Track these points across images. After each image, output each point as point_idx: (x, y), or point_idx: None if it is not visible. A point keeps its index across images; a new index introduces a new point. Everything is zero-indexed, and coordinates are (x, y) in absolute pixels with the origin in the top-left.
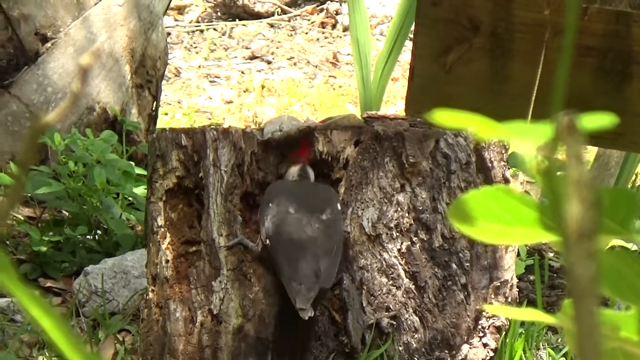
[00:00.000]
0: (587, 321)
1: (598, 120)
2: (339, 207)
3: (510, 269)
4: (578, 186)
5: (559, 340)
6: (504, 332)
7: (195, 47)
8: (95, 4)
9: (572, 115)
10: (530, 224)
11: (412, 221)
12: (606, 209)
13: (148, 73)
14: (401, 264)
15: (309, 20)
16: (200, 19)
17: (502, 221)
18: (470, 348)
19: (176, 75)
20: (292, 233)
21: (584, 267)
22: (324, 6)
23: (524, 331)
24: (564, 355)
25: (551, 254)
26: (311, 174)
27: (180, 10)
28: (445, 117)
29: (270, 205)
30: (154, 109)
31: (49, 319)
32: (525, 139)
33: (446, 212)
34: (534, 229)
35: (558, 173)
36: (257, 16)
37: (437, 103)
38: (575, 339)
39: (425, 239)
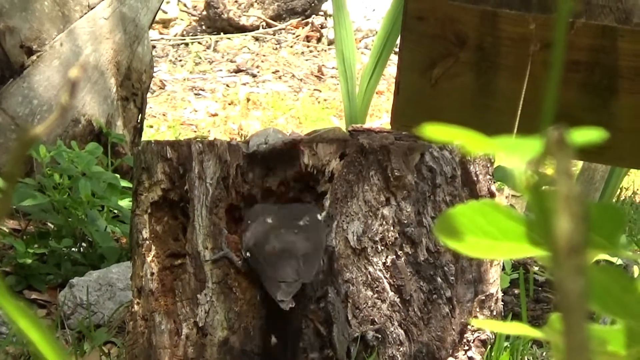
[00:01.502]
0: (576, 336)
1: (587, 135)
2: (319, 217)
3: (495, 282)
4: (567, 201)
5: (544, 354)
6: (489, 346)
7: (181, 60)
8: (80, 17)
9: (562, 130)
10: (517, 239)
11: (397, 235)
12: (593, 223)
13: (133, 86)
14: (386, 278)
15: (294, 33)
16: (185, 32)
17: (488, 236)
18: None
19: (161, 88)
20: (270, 239)
21: (573, 282)
22: (309, 20)
23: (509, 345)
24: None
25: (536, 268)
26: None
27: (166, 23)
28: (434, 131)
29: (249, 222)
30: (139, 121)
31: (36, 331)
32: (514, 153)
33: (431, 225)
34: (521, 244)
35: (546, 188)
36: (242, 29)
37: (423, 117)
38: (565, 354)
39: (410, 252)
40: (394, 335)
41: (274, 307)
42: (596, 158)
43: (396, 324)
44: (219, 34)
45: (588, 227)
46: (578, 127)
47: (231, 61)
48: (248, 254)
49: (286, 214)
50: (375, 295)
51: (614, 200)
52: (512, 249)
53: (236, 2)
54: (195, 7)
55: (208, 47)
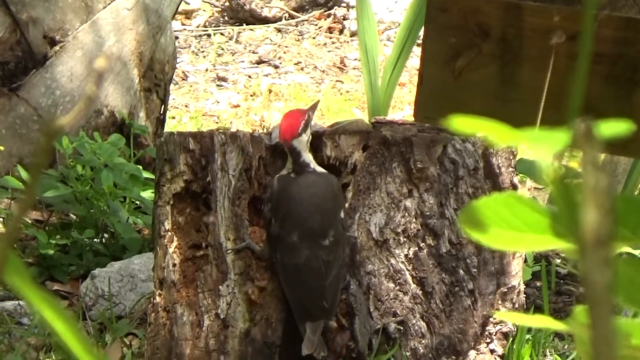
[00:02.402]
0: (603, 329)
1: (614, 127)
2: (343, 215)
3: (517, 275)
4: (594, 193)
5: (566, 346)
6: (511, 338)
7: (203, 52)
8: (103, 8)
9: (589, 122)
10: (541, 231)
11: (420, 227)
12: (617, 215)
13: (156, 77)
14: (408, 270)
15: (316, 25)
16: (207, 23)
17: (512, 228)
18: (477, 354)
19: (184, 79)
20: (297, 266)
21: (600, 274)
22: (332, 11)
23: (531, 337)
24: None
25: (558, 260)
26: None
27: (188, 14)
28: (458, 123)
29: (273, 222)
30: (161, 112)
31: (60, 322)
32: (540, 145)
33: (454, 217)
34: (545, 236)
35: (572, 180)
36: (265, 21)
37: (446, 109)
38: (591, 347)
39: (432, 244)
40: (416, 328)
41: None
42: (619, 151)
43: (418, 316)
44: (242, 25)
45: (614, 219)
46: (600, 118)
47: (253, 52)
48: (275, 260)
49: (312, 230)
50: (397, 288)
51: (636, 192)
52: (536, 241)
53: None
54: None
55: (230, 39)
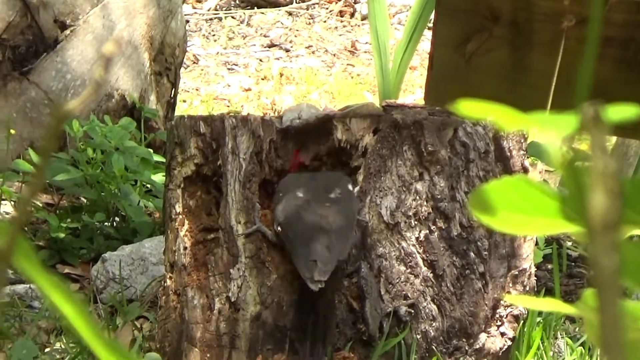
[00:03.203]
0: (611, 312)
1: (623, 111)
2: (350, 188)
3: (528, 257)
4: (603, 177)
5: (577, 329)
6: (522, 321)
7: (214, 35)
8: None
9: (597, 106)
10: (552, 214)
11: (431, 210)
12: (627, 199)
13: (167, 60)
14: (419, 253)
15: (327, 8)
16: (218, 7)
17: (523, 211)
18: (488, 337)
19: (194, 63)
20: (301, 214)
21: (608, 258)
22: None
23: (541, 320)
24: (582, 344)
25: (569, 243)
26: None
27: None
28: (468, 107)
29: (281, 194)
30: (172, 96)
31: (70, 305)
32: (549, 129)
33: (464, 200)
34: (555, 220)
35: (582, 164)
36: (276, 4)
37: (457, 92)
38: (599, 330)
39: (443, 227)
40: (427, 311)
41: (307, 289)
42: (630, 134)
43: (429, 299)
44: (253, 8)
45: (623, 203)
46: (612, 102)
47: (264, 36)
48: (279, 228)
49: (317, 186)
50: (408, 270)
51: None
52: (546, 225)
53: None
54: None
55: (241, 22)
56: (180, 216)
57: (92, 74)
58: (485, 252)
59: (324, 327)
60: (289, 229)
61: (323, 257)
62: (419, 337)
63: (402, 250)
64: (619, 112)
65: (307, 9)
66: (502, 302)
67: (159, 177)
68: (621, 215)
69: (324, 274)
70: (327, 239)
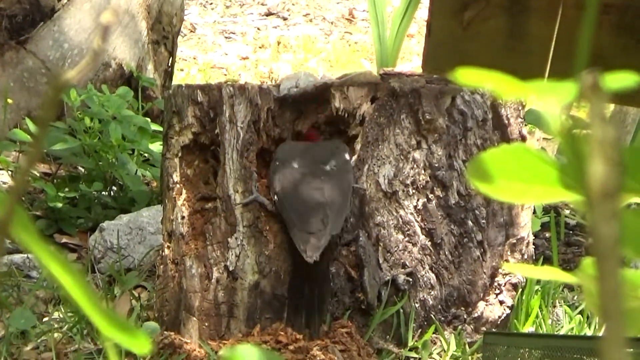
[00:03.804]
0: (610, 281)
1: (621, 79)
2: (347, 157)
3: (526, 226)
4: (602, 145)
5: (576, 297)
6: (520, 290)
7: (211, 4)
8: None
9: (596, 74)
10: (550, 183)
11: (428, 178)
12: (626, 167)
13: (164, 29)
14: (417, 221)
15: None
16: None
17: (521, 179)
18: (486, 305)
19: (192, 32)
20: (297, 186)
21: (608, 226)
22: None
23: (540, 289)
24: (580, 312)
25: (567, 212)
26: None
27: None
28: (467, 75)
29: (277, 163)
30: (169, 65)
31: (69, 276)
32: (548, 97)
33: (462, 169)
34: (554, 188)
35: (580, 131)
36: None
37: (454, 60)
38: (599, 299)
39: (441, 196)
40: (425, 279)
41: (302, 259)
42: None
43: (427, 267)
44: None
45: (622, 171)
46: (610, 69)
47: (262, 4)
48: (276, 197)
49: (314, 157)
50: (406, 239)
51: None
52: (545, 193)
53: None
54: None
55: None
56: (178, 185)
57: (89, 42)
58: (483, 221)
59: (319, 297)
60: (286, 200)
61: (318, 230)
62: (417, 305)
63: (400, 219)
64: (618, 79)
65: None
66: (500, 270)
67: (156, 146)
68: (621, 183)
69: (317, 249)
70: (323, 212)
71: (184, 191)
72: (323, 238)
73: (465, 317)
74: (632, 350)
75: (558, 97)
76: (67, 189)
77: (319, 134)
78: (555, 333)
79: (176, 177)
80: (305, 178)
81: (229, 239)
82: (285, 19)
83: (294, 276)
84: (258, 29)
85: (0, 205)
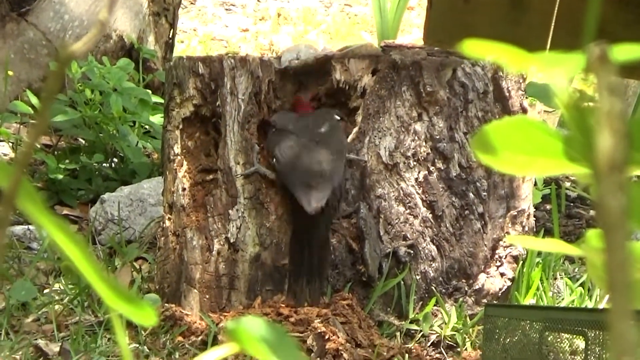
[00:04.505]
0: (617, 253)
1: (628, 51)
2: (337, 118)
3: (527, 198)
4: (609, 118)
5: (576, 270)
6: (521, 262)
7: None
8: None
9: (604, 47)
10: (554, 155)
11: (429, 150)
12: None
13: (165, 1)
14: (418, 193)
15: None
16: None
17: (525, 152)
18: (487, 277)
19: (192, 3)
20: (295, 147)
21: (614, 199)
22: None
23: (541, 261)
24: (581, 284)
25: (568, 184)
26: None
27: None
28: (471, 47)
29: (274, 130)
30: (170, 36)
31: (74, 247)
32: (554, 69)
33: (463, 141)
34: (558, 160)
35: (586, 104)
36: None
37: (456, 32)
38: (605, 271)
39: (442, 168)
40: (426, 251)
41: (303, 220)
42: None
43: (428, 239)
44: None
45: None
46: (612, 42)
47: None
48: (275, 160)
49: (307, 121)
50: (408, 211)
51: None
52: (548, 166)
53: None
54: None
55: None
56: (179, 157)
57: (90, 14)
58: (484, 193)
59: (319, 262)
60: (285, 162)
61: (318, 184)
62: (418, 277)
63: (401, 191)
64: (624, 52)
65: None
66: (501, 242)
67: (157, 118)
68: (627, 155)
69: (319, 200)
70: (321, 168)
71: (184, 163)
72: (324, 190)
73: (466, 289)
74: (638, 322)
75: (564, 69)
76: (67, 161)
77: (308, 102)
78: (556, 305)
79: (177, 149)
80: (301, 140)
81: (230, 211)
82: None
83: (294, 242)
84: (258, 0)
85: (6, 177)
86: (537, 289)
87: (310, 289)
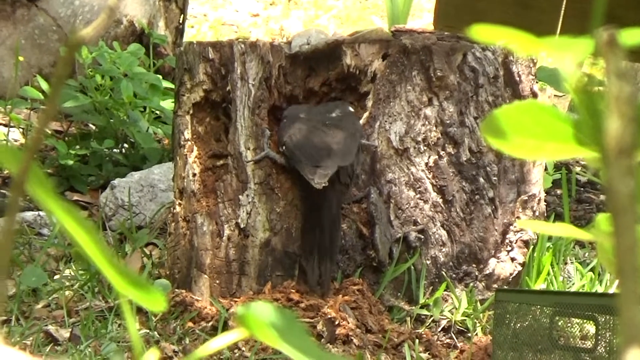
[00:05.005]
0: (626, 237)
1: (638, 36)
2: (351, 110)
3: (537, 182)
4: (618, 102)
5: (587, 254)
6: (532, 246)
7: None
8: None
9: (613, 31)
10: (564, 140)
11: (440, 135)
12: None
13: None
14: (429, 178)
15: None
16: None
17: (535, 136)
18: (497, 262)
19: None
20: (304, 130)
21: (623, 183)
22: None
23: (551, 245)
24: (592, 269)
25: (578, 168)
26: None
27: None
28: (481, 32)
29: (285, 121)
30: (180, 22)
31: (84, 232)
32: (564, 53)
33: (474, 126)
34: (568, 144)
35: (596, 88)
36: None
37: (466, 17)
38: (614, 256)
39: (452, 152)
40: (436, 236)
41: (313, 199)
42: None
43: (438, 224)
44: None
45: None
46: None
47: None
48: (284, 147)
49: (319, 109)
50: (418, 196)
51: None
52: (559, 150)
53: None
54: None
55: None
56: (189, 142)
57: (100, 0)
58: (495, 178)
59: (330, 242)
60: (293, 145)
61: (325, 164)
62: (428, 262)
63: (411, 176)
64: (633, 36)
65: None
66: (511, 227)
67: (167, 104)
68: (636, 140)
69: (324, 177)
70: (329, 148)
71: (195, 148)
72: (330, 168)
73: (476, 274)
74: None
75: (573, 54)
76: (78, 147)
77: None
78: (567, 290)
79: (187, 134)
80: (312, 123)
81: (240, 196)
82: None
83: (305, 222)
84: None
85: (16, 163)
86: (548, 273)
87: (322, 270)
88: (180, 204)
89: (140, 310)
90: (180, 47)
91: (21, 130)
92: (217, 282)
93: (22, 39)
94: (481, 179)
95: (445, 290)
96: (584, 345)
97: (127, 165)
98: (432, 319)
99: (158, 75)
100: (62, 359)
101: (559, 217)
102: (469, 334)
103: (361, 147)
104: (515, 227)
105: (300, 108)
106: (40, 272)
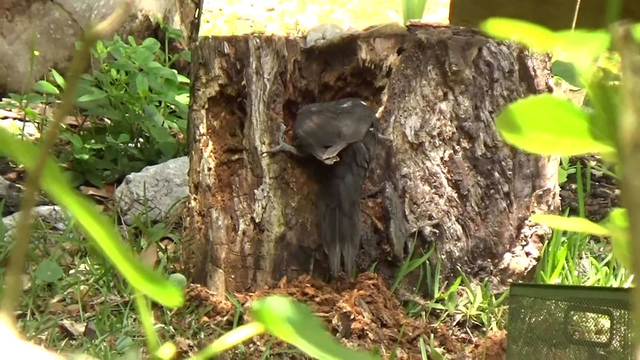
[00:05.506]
0: None
1: None
2: (364, 103)
3: (552, 177)
4: (633, 96)
5: (602, 249)
6: (547, 241)
7: None
8: None
9: (629, 26)
10: (580, 134)
11: (455, 129)
12: None
13: None
14: (444, 172)
15: None
16: None
17: (551, 131)
18: (512, 257)
19: None
20: (315, 119)
21: (639, 177)
22: None
23: (566, 240)
24: (607, 264)
25: (593, 163)
26: None
27: None
28: (497, 26)
29: (299, 116)
30: (196, 16)
31: (99, 227)
32: (579, 48)
33: (489, 120)
34: (583, 139)
35: (611, 83)
36: None
37: (481, 11)
38: (628, 250)
39: (467, 147)
40: (451, 231)
41: (330, 181)
42: None
43: (453, 219)
44: None
45: None
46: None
47: None
48: (297, 139)
49: (331, 104)
50: (433, 191)
51: None
52: (574, 144)
53: None
54: None
55: None
56: (205, 137)
57: None
58: (510, 172)
59: (351, 225)
60: (306, 132)
61: (334, 144)
62: (443, 257)
63: (426, 170)
64: None
65: None
66: (526, 221)
67: (183, 98)
68: None
69: (333, 152)
70: (338, 130)
71: (210, 143)
72: (339, 145)
73: (491, 268)
74: None
75: (589, 48)
76: (93, 141)
77: None
78: (582, 284)
79: (203, 128)
80: (323, 114)
81: (255, 191)
82: None
83: (321, 204)
84: None
85: (31, 157)
86: (563, 268)
87: (344, 254)
88: (195, 199)
89: (155, 305)
90: (196, 42)
91: (36, 124)
92: (232, 276)
93: (37, 34)
94: (496, 174)
95: (460, 285)
96: (599, 340)
97: (143, 159)
98: (447, 313)
99: (173, 70)
100: (77, 354)
101: (573, 212)
102: (484, 329)
103: (376, 131)
104: (530, 221)
105: (314, 105)
106: (55, 266)
